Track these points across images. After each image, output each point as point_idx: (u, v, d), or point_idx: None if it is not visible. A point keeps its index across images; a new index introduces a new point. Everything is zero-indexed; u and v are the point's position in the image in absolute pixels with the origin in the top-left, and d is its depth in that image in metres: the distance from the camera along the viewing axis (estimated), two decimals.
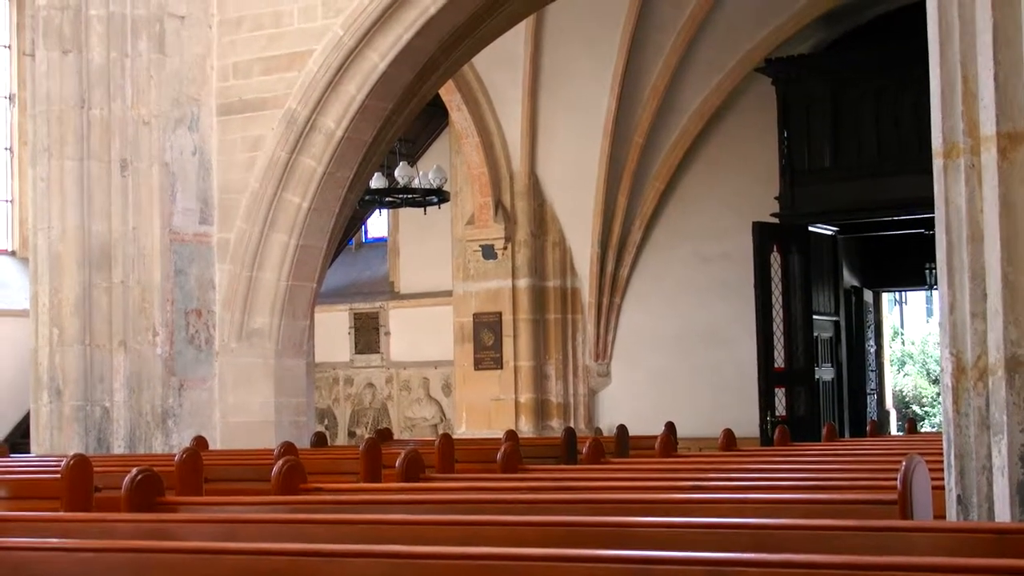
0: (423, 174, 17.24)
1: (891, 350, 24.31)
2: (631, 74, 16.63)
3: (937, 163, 3.23)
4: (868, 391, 18.95)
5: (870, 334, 19.20)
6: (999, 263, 2.93)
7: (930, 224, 3.41)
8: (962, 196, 3.13)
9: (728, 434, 8.41)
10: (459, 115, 17.40)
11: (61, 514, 5.38)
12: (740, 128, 17.36)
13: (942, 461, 3.46)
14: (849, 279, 18.57)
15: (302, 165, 11.12)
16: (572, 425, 16.52)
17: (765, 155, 16.82)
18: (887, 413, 20.03)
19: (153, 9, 10.92)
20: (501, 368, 17.80)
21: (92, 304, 10.68)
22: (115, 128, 10.76)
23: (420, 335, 20.50)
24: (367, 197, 16.57)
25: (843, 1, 16.49)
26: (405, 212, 19.86)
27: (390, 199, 17.36)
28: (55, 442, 10.67)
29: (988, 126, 3.02)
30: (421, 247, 20.67)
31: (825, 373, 17.30)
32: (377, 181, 16.41)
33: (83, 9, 10.69)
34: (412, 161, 18.81)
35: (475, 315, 17.99)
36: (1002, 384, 2.94)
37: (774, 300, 16.45)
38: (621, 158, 17.22)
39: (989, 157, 3.01)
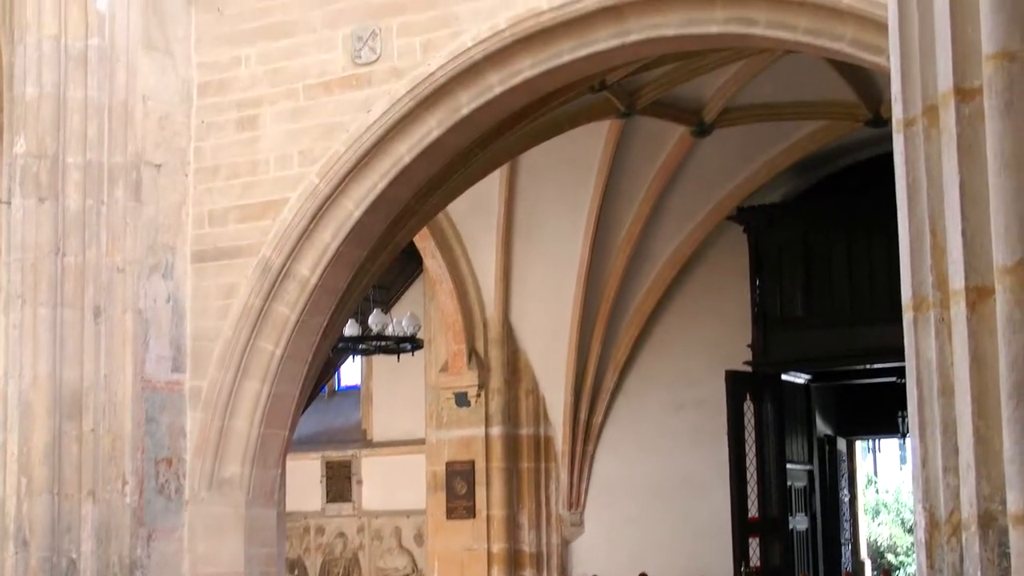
0: (397, 321, 17.27)
1: (865, 498, 24.22)
2: (604, 222, 16.78)
3: (907, 316, 3.26)
4: (842, 541, 18.85)
5: (844, 483, 19.16)
6: (971, 417, 2.94)
7: (903, 372, 3.42)
8: (932, 350, 3.15)
9: None
10: (433, 262, 17.49)
11: None
12: (713, 276, 17.48)
13: None
14: (822, 427, 18.57)
15: (276, 312, 11.13)
16: None
17: (738, 303, 16.92)
18: (862, 564, 19.90)
19: (130, 157, 10.99)
20: (474, 517, 17.66)
21: (62, 453, 10.58)
22: (89, 275, 10.76)
23: (392, 483, 20.36)
24: (341, 344, 16.57)
25: (814, 151, 16.74)
26: (378, 359, 19.85)
27: (364, 346, 17.36)
28: None
29: (957, 280, 3.05)
30: (394, 394, 20.62)
31: (799, 523, 17.21)
32: (351, 328, 16.43)
33: (61, 157, 10.75)
34: (386, 308, 18.84)
35: (448, 463, 17.89)
36: (976, 540, 2.93)
37: (747, 449, 16.42)
38: (595, 305, 17.30)
39: (959, 311, 3.03)
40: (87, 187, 10.77)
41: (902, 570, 25.26)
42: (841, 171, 17.24)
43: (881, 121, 15.04)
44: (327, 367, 18.73)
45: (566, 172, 16.43)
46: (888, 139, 3.51)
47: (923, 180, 3.23)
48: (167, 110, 11.33)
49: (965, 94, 3.09)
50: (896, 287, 3.51)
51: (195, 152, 11.45)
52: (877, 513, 27.17)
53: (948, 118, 3.12)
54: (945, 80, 3.15)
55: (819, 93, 15.63)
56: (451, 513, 17.79)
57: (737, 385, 16.43)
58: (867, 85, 15.23)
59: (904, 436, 19.88)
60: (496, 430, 17.66)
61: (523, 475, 17.83)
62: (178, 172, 11.35)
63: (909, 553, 25.71)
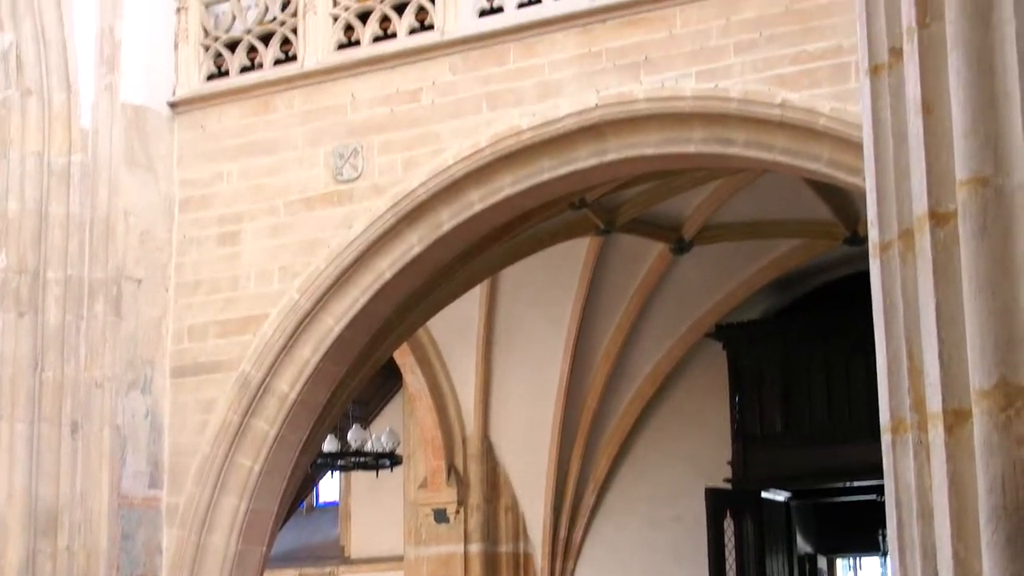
0: (376, 437, 17.20)
1: None
2: (584, 338, 16.81)
3: (885, 439, 3.27)
4: None
5: None
6: (949, 540, 2.94)
7: (883, 490, 3.42)
8: (911, 472, 3.16)
9: None
10: (413, 378, 17.47)
11: None
12: (692, 393, 17.49)
13: None
14: (803, 545, 18.47)
15: (254, 428, 11.08)
16: None
17: (717, 420, 16.92)
18: None
19: (111, 272, 11.01)
20: None
21: (36, 570, 10.46)
22: (68, 390, 10.72)
23: None
24: (319, 460, 16.48)
25: (792, 268, 16.84)
26: (357, 475, 19.74)
27: (342, 462, 17.27)
28: None
29: (935, 403, 3.07)
30: (373, 510, 20.48)
31: None
32: (330, 444, 16.35)
33: (41, 272, 10.77)
34: (365, 423, 18.78)
35: None
36: None
37: (728, 567, 16.32)
38: (574, 422, 17.27)
39: (936, 434, 3.04)
40: (67, 302, 10.77)
41: None
42: (819, 288, 17.33)
43: (859, 239, 15.16)
44: (305, 483, 18.62)
45: (546, 289, 16.49)
46: (866, 257, 3.55)
47: (899, 303, 3.26)
48: (148, 225, 11.37)
49: (940, 218, 3.13)
50: (875, 404, 3.53)
51: (176, 267, 11.48)
52: None
53: (923, 242, 3.16)
54: (920, 204, 3.19)
55: (797, 212, 15.76)
56: None
57: (717, 503, 16.37)
58: (844, 204, 15.37)
59: (885, 554, 19.79)
60: (475, 547, 17.52)
61: None
62: (158, 287, 11.37)
63: None
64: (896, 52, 3.42)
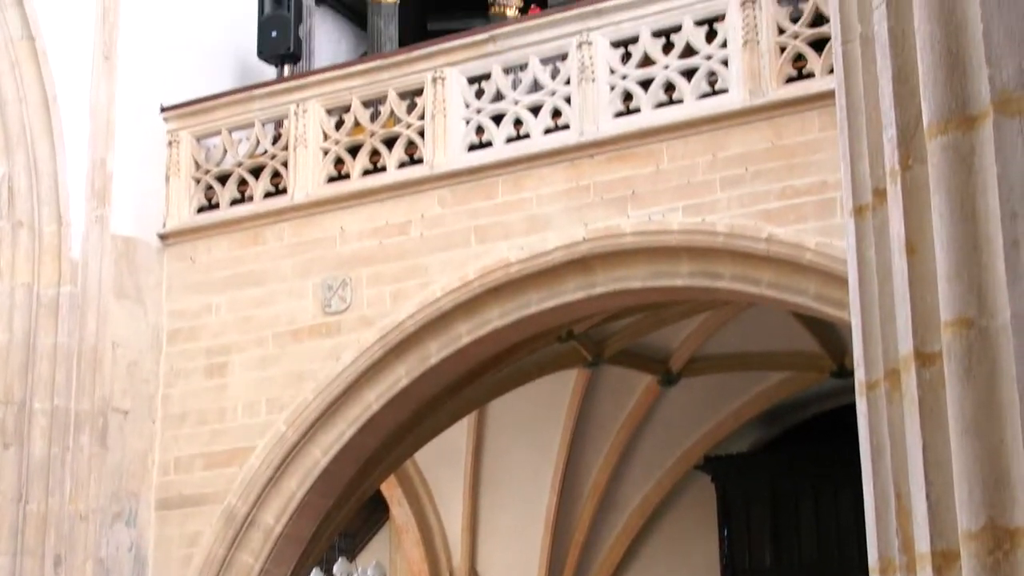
0: (362, 570, 17.00)
1: None
2: (572, 470, 16.72)
3: None
4: None
5: None
6: None
7: None
8: None
9: None
10: (400, 510, 17.33)
11: None
12: (681, 526, 17.36)
13: None
14: None
15: (239, 562, 10.97)
16: None
17: (706, 553, 16.77)
18: None
19: (97, 403, 10.98)
20: None
21: None
22: (51, 523, 10.62)
23: None
24: None
25: (780, 401, 16.82)
26: None
27: None
28: None
29: (923, 544, 3.06)
30: None
31: None
32: None
33: (28, 403, 10.73)
34: (351, 556, 18.57)
35: None
36: None
37: None
38: (562, 555, 17.10)
39: (924, 575, 3.03)
40: (53, 434, 10.72)
41: None
42: (808, 421, 17.29)
43: (846, 372, 15.16)
44: None
45: (534, 421, 16.44)
46: (853, 391, 3.56)
47: (886, 444, 3.27)
48: (136, 357, 11.36)
49: (925, 359, 3.15)
50: (864, 539, 3.51)
51: (163, 399, 11.45)
52: None
53: (909, 382, 3.17)
54: (905, 344, 3.22)
55: (784, 344, 15.78)
56: None
57: None
58: (832, 336, 15.41)
59: None
60: None
61: None
62: (145, 419, 11.33)
63: None
64: (880, 193, 3.47)
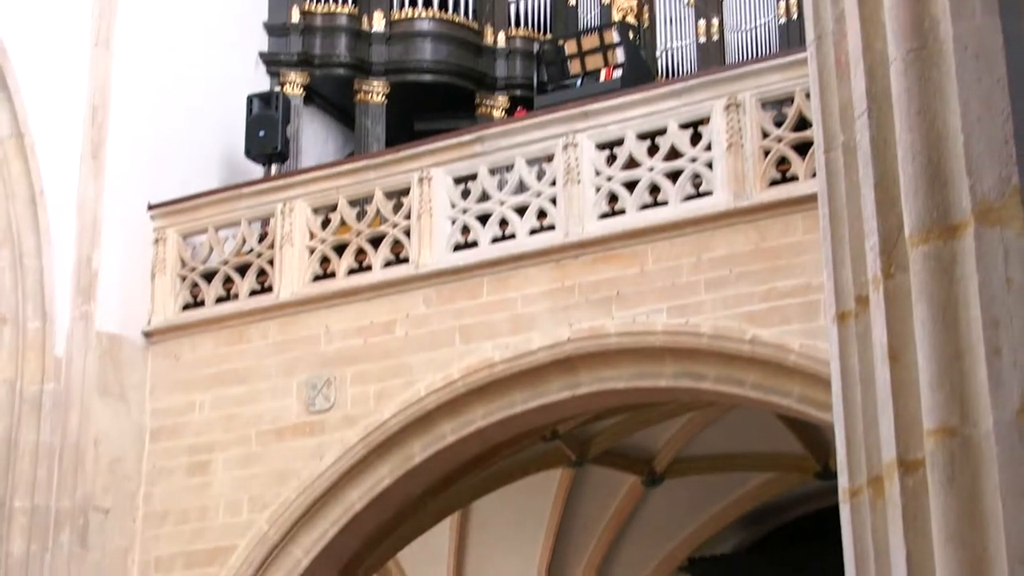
0: None
1: None
2: (555, 571, 16.59)
3: None
4: None
5: None
6: None
7: None
8: None
9: None
10: None
11: None
12: None
13: None
14: None
15: None
16: None
17: None
18: None
19: (78, 501, 10.90)
20: None
21: None
22: None
23: None
24: None
25: (764, 502, 16.76)
26: None
27: None
28: None
29: None
30: None
31: None
32: None
33: (8, 501, 10.65)
34: None
35: None
36: None
37: None
38: None
39: None
40: (32, 532, 10.63)
41: None
42: (792, 522, 17.21)
43: (830, 474, 15.12)
44: None
45: (517, 521, 16.34)
46: (837, 492, 3.56)
47: (870, 551, 3.27)
48: (118, 454, 11.30)
49: (908, 466, 3.16)
50: None
51: (144, 497, 11.37)
52: None
53: (892, 489, 3.18)
54: (888, 451, 3.22)
55: (768, 445, 15.75)
56: None
57: None
58: (816, 438, 15.38)
59: None
60: None
61: None
62: (126, 517, 11.24)
63: None
64: (863, 300, 3.50)
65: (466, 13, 14.02)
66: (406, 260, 11.12)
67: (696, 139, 10.44)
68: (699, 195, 10.34)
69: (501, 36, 14.12)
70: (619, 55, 12.41)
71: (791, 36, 13.14)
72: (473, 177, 11.07)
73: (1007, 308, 2.93)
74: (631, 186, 10.53)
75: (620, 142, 10.65)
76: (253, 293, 11.61)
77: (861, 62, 3.45)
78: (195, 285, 11.86)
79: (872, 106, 3.39)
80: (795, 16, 13.12)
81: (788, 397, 9.80)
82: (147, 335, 11.72)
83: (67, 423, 10.98)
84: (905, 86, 3.20)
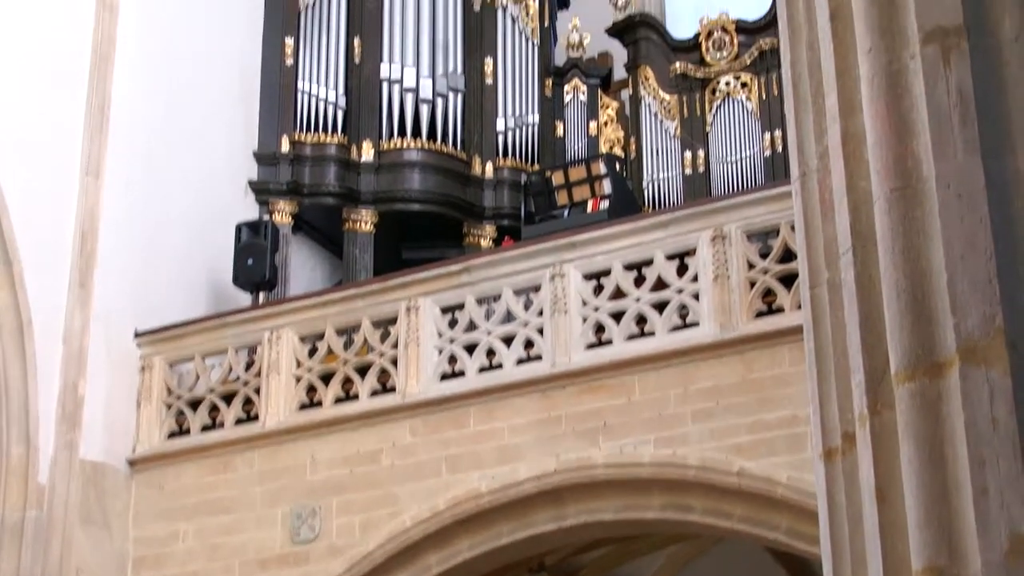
0: None
1: None
2: None
3: None
4: None
5: None
6: None
7: None
8: None
9: None
10: None
11: None
12: None
13: None
14: None
15: None
16: None
17: None
18: None
19: None
20: None
21: None
22: None
23: None
24: None
25: None
26: None
27: None
28: None
29: None
30: None
31: None
32: None
33: None
34: None
35: None
36: None
37: None
38: None
39: None
40: None
41: None
42: None
43: None
44: None
45: None
46: None
47: None
48: None
49: None
50: None
51: None
52: None
53: None
54: None
55: None
56: None
57: None
58: (805, 572, 15.24)
59: None
60: None
61: None
62: None
63: None
64: (849, 437, 3.49)
65: (454, 143, 14.16)
66: (393, 389, 11.10)
67: (682, 270, 10.49)
68: (686, 326, 10.37)
69: (489, 166, 14.25)
70: (606, 186, 12.52)
71: (776, 168, 13.27)
72: (460, 307, 11.10)
73: (993, 448, 2.92)
74: (618, 316, 10.56)
75: (607, 273, 10.70)
76: (239, 422, 11.56)
77: (845, 200, 3.48)
78: (181, 413, 11.81)
79: (857, 244, 3.41)
80: (780, 149, 13.26)
81: (776, 530, 9.75)
82: (131, 463, 11.64)
83: (48, 552, 10.85)
84: (889, 225, 3.23)
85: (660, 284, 10.53)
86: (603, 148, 14.26)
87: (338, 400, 11.30)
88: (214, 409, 11.72)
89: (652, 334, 10.44)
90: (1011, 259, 3.05)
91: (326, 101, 14.02)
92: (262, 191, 13.87)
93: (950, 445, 3.01)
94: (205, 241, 12.90)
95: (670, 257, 10.56)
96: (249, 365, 11.72)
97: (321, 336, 11.50)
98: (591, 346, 10.62)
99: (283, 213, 13.78)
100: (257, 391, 11.52)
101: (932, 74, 3.19)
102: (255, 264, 12.62)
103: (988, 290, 3.04)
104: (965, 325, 3.05)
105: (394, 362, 11.12)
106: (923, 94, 3.20)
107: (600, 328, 10.63)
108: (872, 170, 3.31)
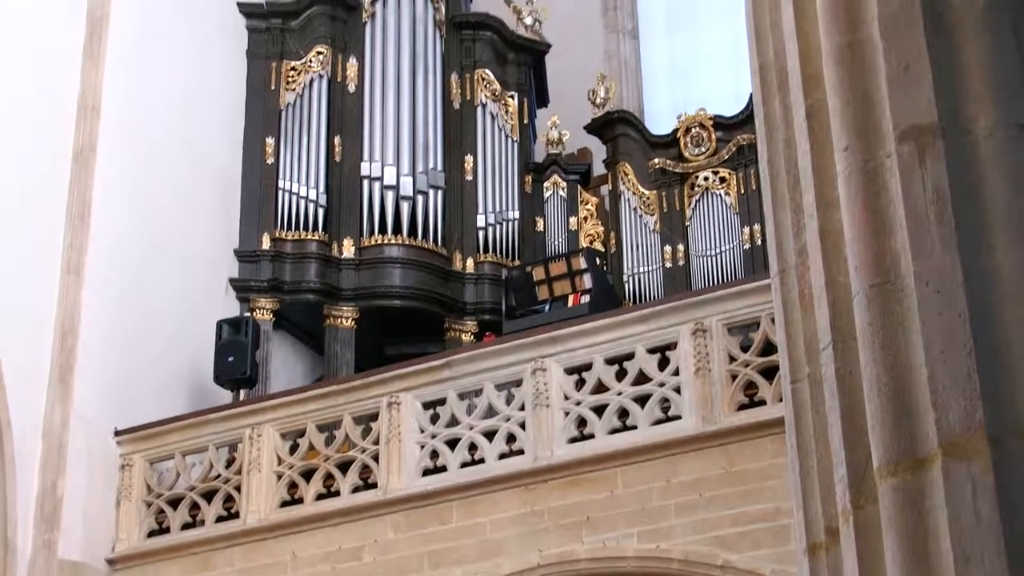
0: None
1: None
2: None
3: None
4: None
5: None
6: None
7: None
8: None
9: None
10: None
11: None
12: None
13: None
14: None
15: None
16: None
17: None
18: None
19: None
20: None
21: None
22: None
23: None
24: None
25: None
26: None
27: None
28: None
29: None
30: None
31: None
32: None
33: None
34: None
35: None
36: None
37: None
38: None
39: None
40: None
41: None
42: None
43: None
44: None
45: None
46: None
47: None
48: None
49: None
50: None
51: None
52: None
53: None
54: None
55: None
56: None
57: None
58: None
59: None
60: None
61: None
62: None
63: None
64: (833, 532, 3.50)
65: (435, 240, 14.22)
66: (375, 485, 11.05)
67: (664, 364, 10.51)
68: (668, 419, 10.38)
69: (470, 262, 14.30)
70: (587, 281, 12.57)
71: (756, 261, 13.34)
72: (442, 402, 11.08)
73: (977, 543, 2.92)
74: (600, 410, 10.56)
75: (588, 367, 10.71)
76: (220, 519, 11.48)
77: (825, 295, 3.51)
78: (161, 511, 11.73)
79: (837, 339, 3.44)
80: (759, 242, 13.33)
81: None
82: (111, 562, 11.54)
83: None
84: (868, 320, 3.25)
85: (642, 378, 10.55)
86: (583, 243, 14.33)
87: (319, 496, 11.24)
88: (194, 507, 11.64)
89: (634, 427, 10.43)
90: (990, 354, 3.07)
91: (307, 199, 14.08)
92: (243, 288, 13.88)
93: (934, 540, 3.02)
94: (186, 339, 12.89)
95: (651, 351, 10.58)
96: (230, 463, 11.66)
97: (302, 433, 11.47)
98: (573, 440, 10.60)
99: (264, 310, 13.79)
100: (238, 488, 11.45)
101: (908, 172, 3.23)
102: (236, 361, 12.59)
103: (968, 385, 3.05)
104: (946, 420, 3.06)
105: (376, 458, 11.08)
106: (900, 192, 3.23)
107: (582, 422, 10.63)
108: (851, 266, 3.34)
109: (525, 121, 15.13)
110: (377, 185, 14.15)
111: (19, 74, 11.72)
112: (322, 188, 14.19)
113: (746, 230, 13.82)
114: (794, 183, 3.79)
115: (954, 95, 3.25)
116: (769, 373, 10.00)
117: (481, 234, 14.44)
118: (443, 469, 10.91)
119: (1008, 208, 3.17)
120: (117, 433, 11.87)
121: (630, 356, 10.63)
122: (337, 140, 14.39)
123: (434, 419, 11.07)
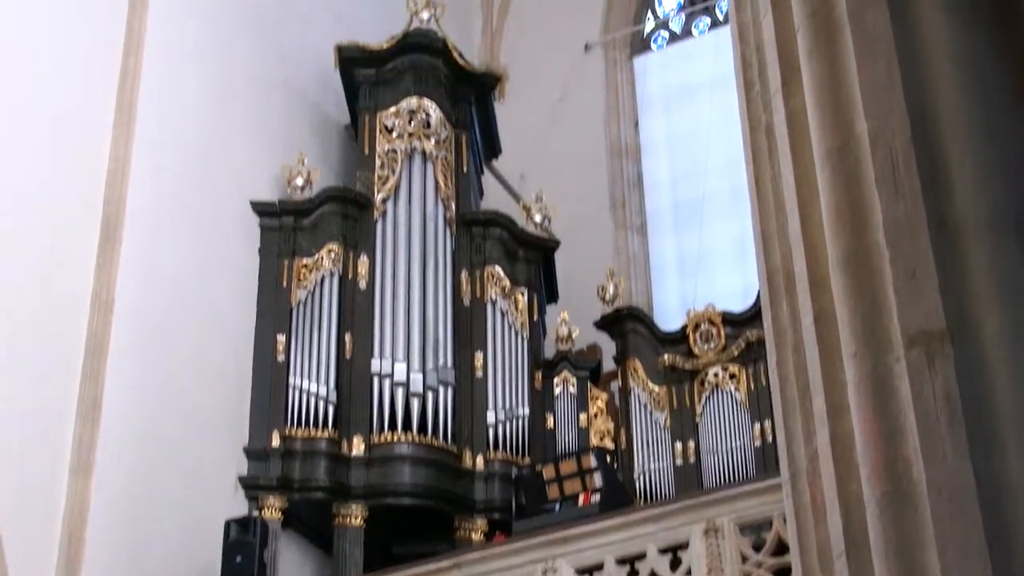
0: None
1: None
2: None
3: None
4: None
5: None
6: None
7: None
8: None
9: None
10: None
11: None
12: None
13: None
14: None
15: None
16: None
17: None
18: None
19: None
20: None
21: None
22: None
23: None
24: None
25: None
26: None
27: None
28: None
29: None
30: None
31: None
32: None
33: None
34: None
35: None
36: None
37: None
38: None
39: None
40: None
41: None
42: None
43: None
44: None
45: None
46: None
47: None
48: None
49: None
50: None
51: None
52: None
53: None
54: None
55: None
56: None
57: None
58: None
59: None
60: None
61: None
62: None
63: None
64: None
65: (445, 437, 14.14)
66: None
67: (676, 564, 10.37)
68: None
69: (480, 459, 14.20)
70: (597, 479, 12.46)
71: (767, 458, 13.24)
72: None
73: None
74: None
75: (600, 567, 10.58)
76: None
77: (837, 503, 3.47)
78: None
79: (850, 548, 3.40)
80: (770, 439, 13.25)
81: None
82: None
83: None
84: (881, 528, 3.22)
85: None
86: (593, 439, 14.26)
87: None
88: None
89: None
90: (1006, 562, 3.02)
91: (317, 396, 14.05)
92: (252, 486, 13.77)
93: None
94: (193, 538, 12.75)
95: (663, 551, 10.45)
96: None
97: None
98: None
99: (273, 508, 13.65)
100: None
101: (918, 378, 3.22)
102: (244, 561, 12.43)
103: None
104: None
105: None
106: (910, 398, 3.22)
107: None
108: (862, 474, 3.31)
109: (535, 317, 15.19)
110: (387, 382, 14.13)
111: (31, 272, 11.81)
112: (332, 385, 14.18)
113: (757, 426, 13.76)
114: (803, 388, 3.78)
115: (961, 299, 3.26)
116: (782, 573, 9.85)
117: (491, 431, 14.37)
118: None
119: (1020, 412, 3.16)
120: None
121: (641, 556, 10.50)
122: (348, 337, 14.43)
123: None
